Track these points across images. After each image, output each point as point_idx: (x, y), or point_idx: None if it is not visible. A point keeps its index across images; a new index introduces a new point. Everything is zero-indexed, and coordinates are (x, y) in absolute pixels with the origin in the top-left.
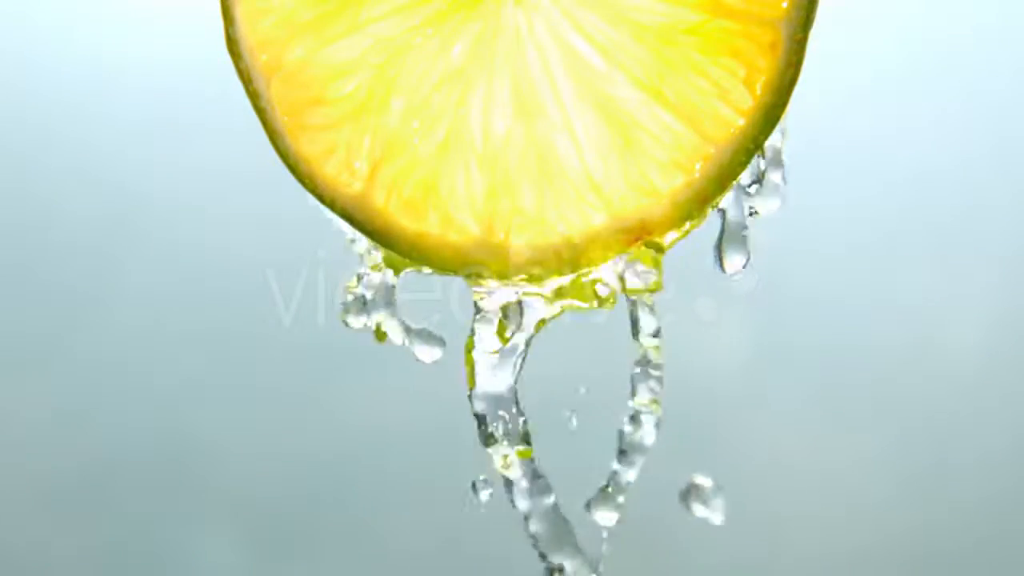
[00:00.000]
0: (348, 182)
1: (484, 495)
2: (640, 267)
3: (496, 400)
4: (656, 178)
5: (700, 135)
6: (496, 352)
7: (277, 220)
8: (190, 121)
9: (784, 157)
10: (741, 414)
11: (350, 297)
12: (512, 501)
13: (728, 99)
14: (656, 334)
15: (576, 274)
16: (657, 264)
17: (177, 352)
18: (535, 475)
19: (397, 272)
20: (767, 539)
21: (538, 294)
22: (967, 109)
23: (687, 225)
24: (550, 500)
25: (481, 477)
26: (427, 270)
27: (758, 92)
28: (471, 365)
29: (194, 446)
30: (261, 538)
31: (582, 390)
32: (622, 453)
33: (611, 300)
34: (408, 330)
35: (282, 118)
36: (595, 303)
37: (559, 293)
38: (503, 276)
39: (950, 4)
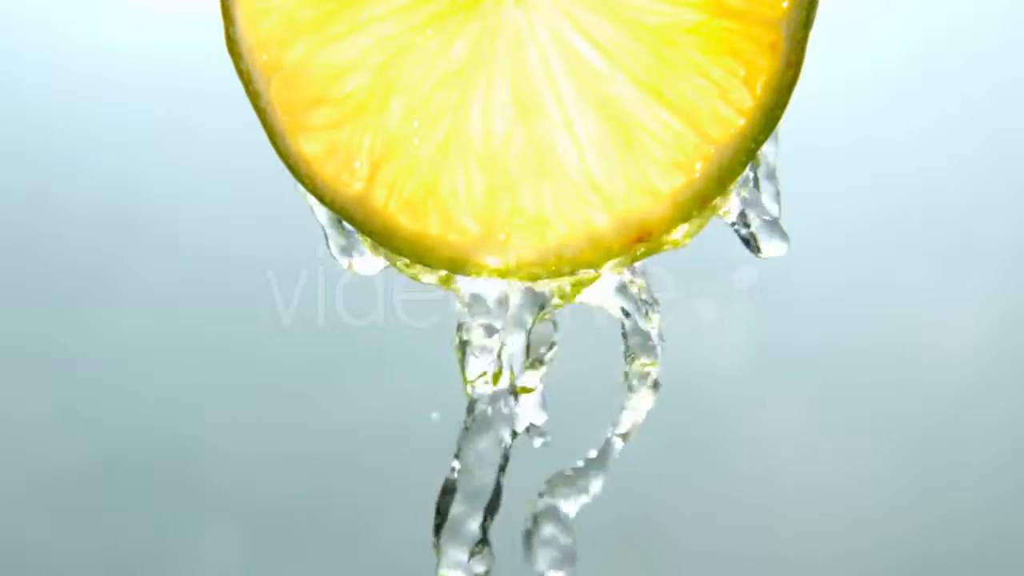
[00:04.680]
0: (348, 182)
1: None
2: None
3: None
4: (656, 178)
5: (700, 135)
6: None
7: (277, 220)
8: (190, 121)
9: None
10: (740, 414)
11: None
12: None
13: (728, 99)
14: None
15: (576, 275)
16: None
17: (177, 352)
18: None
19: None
20: (765, 540)
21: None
22: (967, 109)
23: (688, 227)
24: None
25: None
26: (427, 271)
27: (758, 92)
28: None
29: (194, 446)
30: (261, 538)
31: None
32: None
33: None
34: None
35: (282, 118)
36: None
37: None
38: (503, 276)
39: (950, 4)
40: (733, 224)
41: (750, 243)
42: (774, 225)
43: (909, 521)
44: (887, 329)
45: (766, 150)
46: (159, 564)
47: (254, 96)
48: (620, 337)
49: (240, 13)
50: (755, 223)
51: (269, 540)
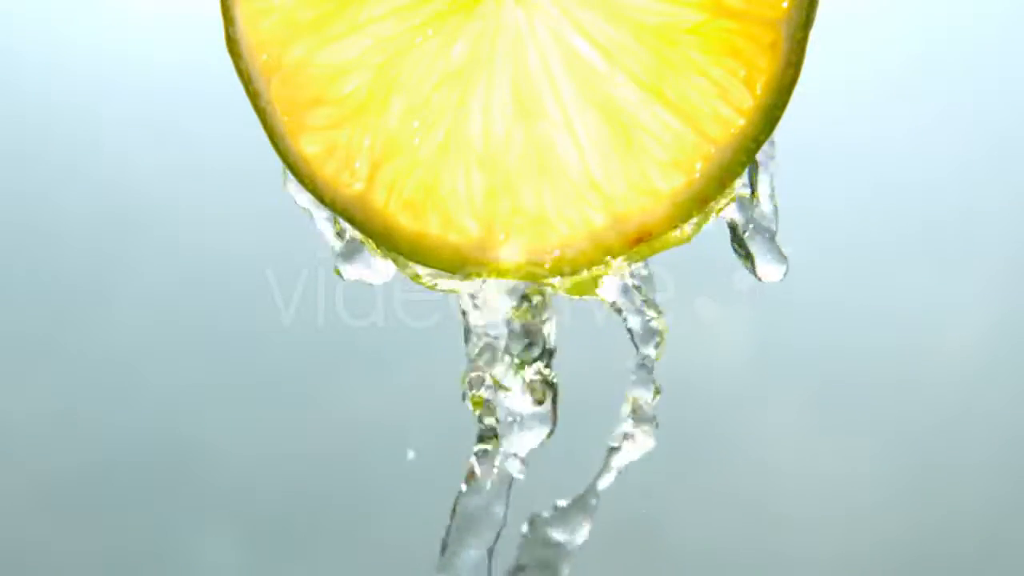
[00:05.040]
0: (348, 182)
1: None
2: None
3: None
4: (656, 178)
5: (700, 135)
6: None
7: (277, 220)
8: (190, 121)
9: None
10: (740, 414)
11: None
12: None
13: (728, 99)
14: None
15: (576, 274)
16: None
17: (177, 352)
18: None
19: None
20: (765, 540)
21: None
22: (966, 109)
23: (689, 228)
24: None
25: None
26: (426, 271)
27: (758, 92)
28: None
29: (194, 446)
30: (261, 538)
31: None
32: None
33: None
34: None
35: (282, 118)
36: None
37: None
38: (503, 276)
39: (950, 4)
40: (731, 242)
41: (748, 266)
42: (772, 249)
43: (909, 521)
44: (887, 330)
45: (765, 164)
46: (159, 564)
47: (254, 96)
48: (618, 338)
49: (240, 13)
50: (754, 246)
51: (268, 540)
